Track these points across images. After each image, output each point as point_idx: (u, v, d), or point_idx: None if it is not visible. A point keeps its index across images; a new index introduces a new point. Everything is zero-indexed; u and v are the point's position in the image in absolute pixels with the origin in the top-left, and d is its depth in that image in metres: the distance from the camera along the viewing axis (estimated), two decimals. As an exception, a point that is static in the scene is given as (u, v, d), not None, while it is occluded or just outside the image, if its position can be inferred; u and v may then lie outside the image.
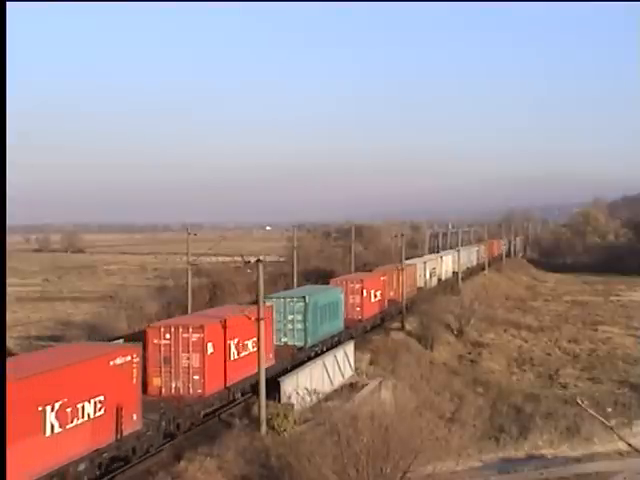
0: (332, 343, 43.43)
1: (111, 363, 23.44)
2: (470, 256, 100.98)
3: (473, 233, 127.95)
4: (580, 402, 42.58)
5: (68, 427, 21.14)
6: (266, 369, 31.64)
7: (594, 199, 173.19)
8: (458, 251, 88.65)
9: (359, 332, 49.25)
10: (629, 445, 37.60)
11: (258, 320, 29.80)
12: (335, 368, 37.91)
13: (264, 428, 28.85)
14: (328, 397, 34.88)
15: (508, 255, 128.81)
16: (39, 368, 20.91)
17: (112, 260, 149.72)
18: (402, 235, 67.31)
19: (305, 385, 33.83)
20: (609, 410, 41.82)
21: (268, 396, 29.90)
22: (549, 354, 58.63)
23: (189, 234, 52.42)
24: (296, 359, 38.31)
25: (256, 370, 31.11)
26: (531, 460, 35.78)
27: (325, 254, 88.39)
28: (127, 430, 23.93)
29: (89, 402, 22.09)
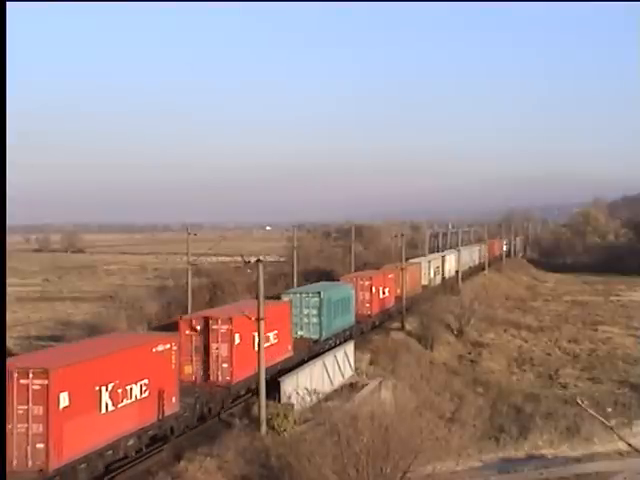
0: (344, 337, 45.67)
1: (154, 350, 25.87)
2: (472, 255, 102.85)
3: (473, 233, 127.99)
4: (580, 402, 42.58)
5: (119, 406, 23.52)
6: (284, 360, 36.01)
7: (594, 199, 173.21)
8: (458, 251, 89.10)
9: (369, 326, 51.88)
10: (629, 445, 37.59)
11: (258, 320, 29.82)
12: (335, 368, 37.92)
13: (264, 428, 28.86)
14: (328, 397, 34.88)
15: (508, 255, 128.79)
16: (95, 353, 23.64)
17: (112, 260, 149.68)
18: (402, 235, 67.35)
19: (305, 385, 33.84)
20: (609, 410, 41.81)
21: (268, 396, 29.92)
22: (549, 354, 58.62)
23: (189, 234, 52.42)
24: (312, 351, 40.51)
25: (277, 360, 35.54)
26: (531, 460, 35.75)
27: (325, 254, 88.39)
28: (167, 411, 26.24)
29: (136, 384, 24.48)
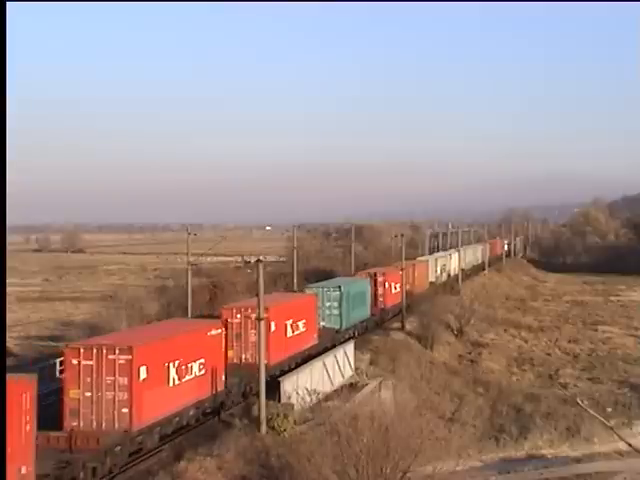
0: (361, 327, 50.16)
1: (208, 334, 29.58)
2: (476, 254, 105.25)
3: (473, 233, 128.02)
4: (580, 402, 42.65)
5: (183, 381, 27.20)
6: (311, 347, 40.11)
7: (594, 199, 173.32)
8: (464, 250, 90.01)
9: (382, 318, 55.28)
10: (629, 445, 37.66)
11: (258, 320, 29.84)
12: (335, 368, 37.92)
13: (264, 428, 28.87)
14: (328, 397, 34.88)
15: (508, 255, 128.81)
16: (165, 335, 27.91)
17: (112, 260, 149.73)
18: (402, 235, 67.39)
19: (305, 385, 33.84)
20: (609, 410, 41.87)
21: (268, 396, 29.96)
22: (549, 354, 58.68)
23: (189, 234, 52.34)
24: (334, 340, 44.22)
25: (305, 347, 39.46)
26: (531, 460, 35.81)
27: (325, 254, 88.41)
28: (218, 388, 29.95)
29: (195, 363, 28.04)
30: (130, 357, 24.26)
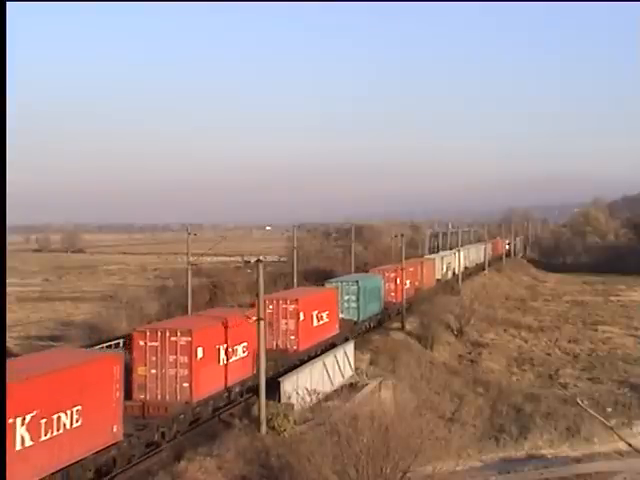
0: (375, 320, 53.89)
1: (250, 321, 31.73)
2: (479, 253, 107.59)
3: (473, 233, 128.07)
4: (580, 402, 42.63)
5: (230, 361, 30.89)
6: (333, 336, 43.50)
7: (594, 199, 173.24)
8: (462, 250, 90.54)
9: (394, 312, 58.20)
10: (629, 445, 37.65)
11: (258, 320, 29.84)
12: (335, 368, 37.93)
13: (264, 428, 28.87)
14: (328, 397, 34.88)
15: (508, 255, 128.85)
16: (216, 321, 31.24)
17: (112, 260, 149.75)
18: (402, 235, 67.46)
19: (305, 385, 33.85)
20: (609, 410, 41.84)
21: (268, 396, 29.97)
22: (549, 354, 58.65)
23: (189, 234, 52.33)
24: (353, 330, 47.73)
25: (328, 336, 42.87)
26: (531, 460, 35.81)
27: (325, 254, 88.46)
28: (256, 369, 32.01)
29: (239, 346, 31.87)
30: (190, 339, 28.14)
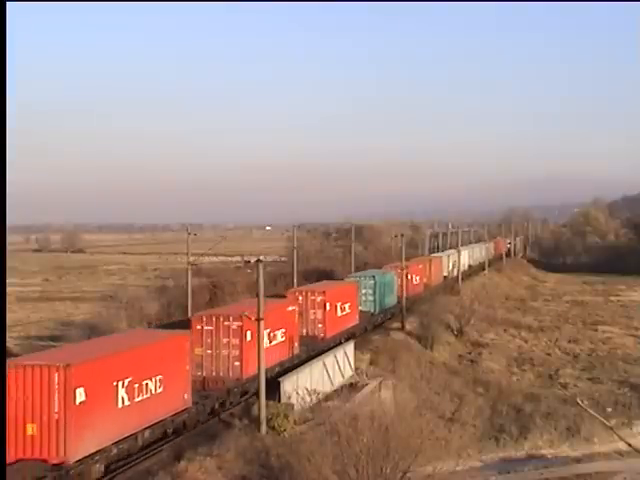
0: (390, 312, 57.72)
1: (287, 309, 37.49)
2: (482, 251, 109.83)
3: (473, 233, 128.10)
4: (580, 402, 42.61)
5: (272, 344, 34.75)
6: (353, 326, 47.72)
7: (594, 199, 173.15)
8: (462, 249, 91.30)
9: (407, 305, 60.06)
10: (629, 445, 37.62)
11: (258, 320, 29.84)
12: (335, 368, 37.92)
13: (264, 428, 28.86)
14: (328, 397, 34.87)
15: (508, 255, 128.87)
16: (253, 308, 33.31)
17: (112, 260, 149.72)
18: (402, 235, 67.54)
19: (305, 385, 33.85)
20: (609, 410, 41.82)
21: (268, 396, 29.96)
22: (549, 354, 58.59)
23: (189, 234, 52.32)
24: (371, 321, 52.32)
25: (349, 326, 47.19)
26: (531, 460, 35.77)
27: (325, 254, 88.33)
28: (294, 352, 37.76)
29: (279, 331, 35.92)
30: (241, 324, 32.05)
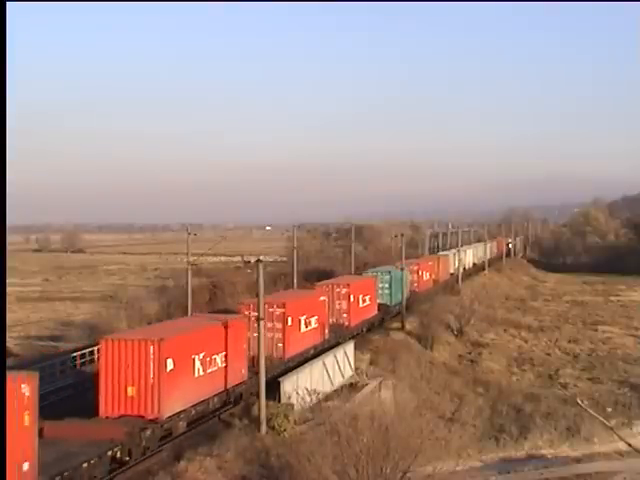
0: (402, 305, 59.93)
1: (319, 299, 42.29)
2: (485, 250, 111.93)
3: (473, 233, 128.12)
4: (580, 402, 42.60)
5: (307, 329, 39.41)
6: (373, 317, 52.51)
7: (594, 199, 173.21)
8: (458, 251, 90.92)
9: (418, 299, 63.77)
10: (629, 445, 37.61)
11: (258, 320, 29.84)
12: (335, 368, 37.93)
13: (264, 428, 28.86)
14: (328, 397, 34.87)
15: (508, 255, 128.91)
16: (299, 296, 42.70)
17: (112, 260, 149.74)
18: (402, 235, 67.61)
19: (305, 385, 33.85)
20: (609, 410, 41.82)
21: (268, 396, 29.96)
22: (549, 354, 58.61)
23: (189, 234, 52.30)
24: (387, 312, 56.24)
25: (369, 316, 51.75)
26: (531, 460, 35.75)
27: (325, 254, 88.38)
28: (325, 337, 42.41)
29: (313, 318, 40.45)
30: (283, 310, 36.54)
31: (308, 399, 33.39)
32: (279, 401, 31.49)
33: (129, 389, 25.75)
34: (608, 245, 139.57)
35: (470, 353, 56.99)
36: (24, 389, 19.63)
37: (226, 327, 30.58)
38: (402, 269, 59.47)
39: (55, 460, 21.13)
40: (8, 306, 41.02)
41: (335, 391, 36.28)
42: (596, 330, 68.15)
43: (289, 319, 36.84)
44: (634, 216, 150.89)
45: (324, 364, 36.72)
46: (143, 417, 25.54)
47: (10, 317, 48.51)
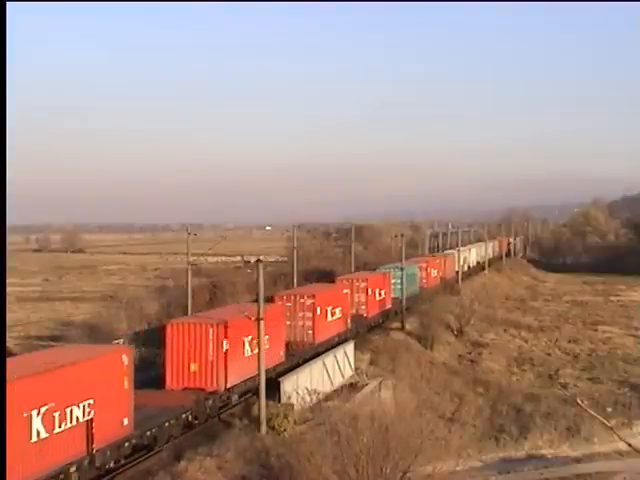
0: (413, 299, 63.22)
1: (343, 292, 48.01)
2: (488, 249, 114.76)
3: (473, 233, 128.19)
4: (580, 402, 42.58)
5: (333, 319, 44.14)
6: (387, 309, 57.11)
7: (594, 199, 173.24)
8: (463, 250, 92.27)
9: (428, 294, 66.40)
10: (629, 445, 37.60)
11: (258, 320, 29.83)
12: (335, 368, 37.94)
13: (264, 428, 28.86)
14: (328, 397, 34.88)
15: (508, 255, 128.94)
16: (327, 289, 46.95)
17: (112, 260, 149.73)
18: (402, 235, 67.71)
19: (305, 385, 33.86)
20: (609, 410, 41.81)
21: (268, 396, 29.95)
22: (549, 354, 58.62)
23: (189, 234, 52.28)
24: (400, 305, 58.63)
25: (384, 309, 56.41)
26: (531, 460, 35.76)
27: (325, 254, 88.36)
28: (348, 326, 47.06)
29: (338, 309, 45.06)
30: (313, 301, 41.03)
31: (308, 399, 33.39)
32: (279, 401, 31.50)
33: (191, 365, 29.99)
34: (608, 245, 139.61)
35: (470, 353, 57.00)
36: (124, 359, 24.24)
37: (271, 314, 34.51)
38: (402, 269, 60.62)
39: (141, 420, 25.12)
40: (8, 306, 41.08)
41: (335, 391, 36.29)
42: (596, 330, 68.16)
43: (318, 309, 41.26)
44: (634, 216, 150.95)
45: (324, 364, 36.73)
46: (204, 389, 29.66)
47: (10, 317, 48.51)
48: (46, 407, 20.24)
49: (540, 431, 38.31)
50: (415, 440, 22.92)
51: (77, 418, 21.55)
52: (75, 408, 21.42)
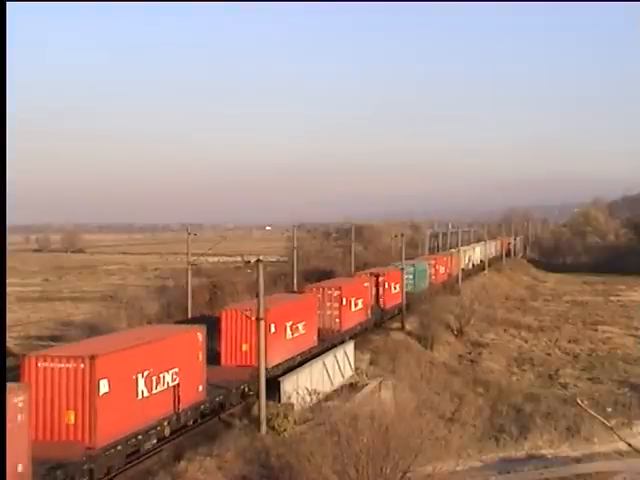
0: (423, 293, 66.17)
1: (364, 284, 52.28)
2: (490, 248, 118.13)
3: (473, 233, 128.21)
4: (580, 402, 42.60)
5: (356, 309, 48.81)
6: (399, 303, 59.47)
7: (594, 199, 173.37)
8: (458, 249, 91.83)
9: (436, 290, 69.71)
10: (629, 445, 37.61)
11: (258, 320, 29.82)
12: (335, 368, 37.91)
13: (264, 428, 28.84)
14: (328, 397, 34.86)
15: (508, 255, 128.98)
16: (352, 283, 51.13)
17: (112, 260, 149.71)
18: (402, 235, 67.75)
19: (305, 385, 33.84)
20: (609, 410, 41.80)
21: (268, 395, 29.95)
22: (549, 354, 58.62)
23: (189, 234, 52.29)
24: (411, 299, 62.11)
25: (396, 303, 59.12)
26: (531, 460, 35.75)
27: (325, 254, 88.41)
28: (369, 317, 51.90)
29: (359, 300, 49.66)
30: (340, 292, 45.29)
31: (308, 399, 33.37)
32: (279, 401, 31.48)
33: (243, 346, 34.07)
34: (608, 245, 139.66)
35: (470, 353, 57.01)
36: (199, 336, 28.67)
37: (306, 302, 40.92)
38: (401, 268, 61.59)
39: (209, 389, 29.25)
40: (8, 306, 41.01)
41: (335, 391, 36.25)
42: (596, 330, 68.17)
43: (344, 300, 45.46)
44: (634, 216, 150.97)
45: (324, 364, 36.70)
46: (253, 367, 32.09)
47: (10, 317, 48.45)
48: (147, 372, 24.76)
49: (540, 431, 38.30)
50: (415, 440, 22.91)
51: (167, 383, 26.09)
52: (166, 374, 25.92)
